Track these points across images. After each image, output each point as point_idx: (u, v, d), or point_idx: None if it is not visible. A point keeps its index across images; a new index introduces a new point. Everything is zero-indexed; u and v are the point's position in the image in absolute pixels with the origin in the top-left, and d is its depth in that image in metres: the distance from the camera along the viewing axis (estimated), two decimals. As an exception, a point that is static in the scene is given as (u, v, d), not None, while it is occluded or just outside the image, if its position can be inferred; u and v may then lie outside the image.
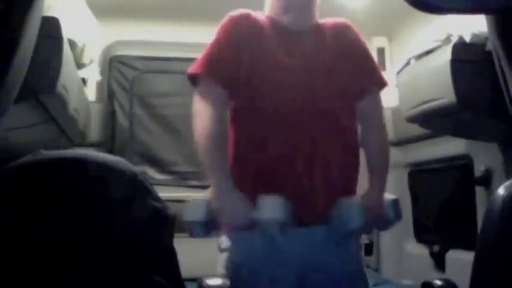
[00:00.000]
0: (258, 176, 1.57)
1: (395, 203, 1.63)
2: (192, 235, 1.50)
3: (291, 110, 1.58)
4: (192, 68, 1.64)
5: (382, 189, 1.63)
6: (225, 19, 1.66)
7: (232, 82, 1.59)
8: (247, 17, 1.65)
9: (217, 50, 1.62)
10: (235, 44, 1.61)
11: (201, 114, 1.56)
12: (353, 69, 1.67)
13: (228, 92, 1.59)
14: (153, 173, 3.09)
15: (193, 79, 1.64)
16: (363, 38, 1.76)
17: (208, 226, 1.49)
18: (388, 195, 1.64)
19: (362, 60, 1.72)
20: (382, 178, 1.65)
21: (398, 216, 1.64)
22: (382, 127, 1.71)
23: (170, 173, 3.16)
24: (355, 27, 1.74)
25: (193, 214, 1.48)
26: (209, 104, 1.56)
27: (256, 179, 1.57)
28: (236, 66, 1.59)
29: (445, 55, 1.96)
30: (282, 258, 1.53)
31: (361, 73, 1.69)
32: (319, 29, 1.72)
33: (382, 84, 1.73)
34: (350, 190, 1.63)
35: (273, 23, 1.69)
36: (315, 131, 1.58)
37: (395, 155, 3.07)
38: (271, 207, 1.46)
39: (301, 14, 1.69)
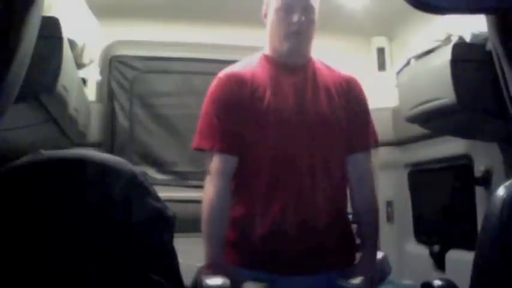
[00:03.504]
0: (255, 224, 1.67)
1: (384, 260, 1.78)
2: None
3: (287, 162, 1.67)
4: (197, 143, 1.73)
5: (375, 255, 1.75)
6: (214, 81, 1.74)
7: (238, 146, 1.68)
8: (234, 76, 1.72)
9: (217, 120, 1.69)
10: (231, 108, 1.69)
11: (209, 185, 1.68)
12: (352, 125, 1.75)
13: (237, 156, 1.69)
14: (153, 173, 3.09)
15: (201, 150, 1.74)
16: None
17: None
18: (377, 254, 1.77)
19: (362, 119, 1.80)
20: (374, 243, 1.78)
21: (389, 271, 1.79)
22: (372, 187, 1.80)
23: (170, 173, 3.15)
24: (362, 87, 1.82)
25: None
26: (217, 176, 1.67)
27: (253, 226, 1.67)
28: (238, 129, 1.68)
29: (445, 55, 1.96)
30: None
31: (358, 130, 1.77)
32: (317, 67, 1.78)
33: (375, 144, 1.83)
34: (342, 238, 1.74)
35: (269, 63, 1.75)
36: (309, 179, 1.67)
37: (395, 155, 3.08)
38: None
39: (301, 40, 1.72)
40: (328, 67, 1.80)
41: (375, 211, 1.80)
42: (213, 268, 1.61)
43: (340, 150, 1.73)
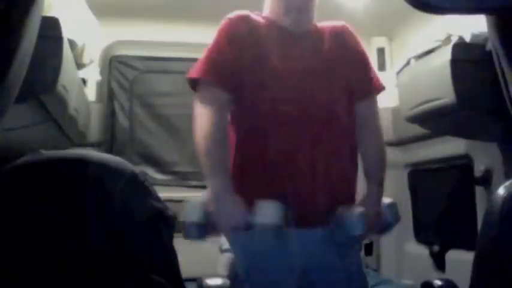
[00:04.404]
0: (258, 178, 1.57)
1: (392, 206, 1.66)
2: (185, 236, 1.49)
3: (291, 112, 1.59)
4: (192, 72, 1.63)
5: (380, 195, 1.65)
6: (223, 21, 1.66)
7: (232, 84, 1.59)
8: (245, 18, 1.65)
9: (216, 53, 1.61)
10: (234, 47, 1.60)
11: (202, 116, 1.56)
12: (352, 72, 1.68)
13: (228, 94, 1.59)
14: (153, 173, 3.09)
15: (194, 83, 1.64)
16: (363, 38, 1.77)
17: (204, 228, 1.49)
18: (385, 199, 1.67)
19: (361, 64, 1.74)
20: (380, 183, 1.67)
21: (396, 219, 1.67)
22: (379, 131, 1.72)
23: (170, 173, 3.15)
24: (353, 30, 1.74)
25: (189, 215, 1.47)
26: (209, 106, 1.56)
27: (256, 180, 1.57)
28: (236, 68, 1.59)
29: (445, 55, 1.96)
30: (283, 258, 1.53)
31: (360, 77, 1.70)
32: (318, 31, 1.72)
33: (380, 88, 1.75)
34: (350, 192, 1.64)
35: (272, 24, 1.69)
36: (315, 132, 1.59)
37: (395, 155, 3.07)
38: (266, 212, 1.46)
39: (301, 15, 1.69)
40: (323, 28, 1.73)
41: (382, 154, 1.70)
42: (221, 199, 1.48)
43: (346, 100, 1.65)
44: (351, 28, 1.74)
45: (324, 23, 1.75)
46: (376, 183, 1.66)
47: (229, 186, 1.50)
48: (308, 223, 1.54)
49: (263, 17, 1.71)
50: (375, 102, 1.74)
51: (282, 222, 1.46)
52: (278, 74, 1.61)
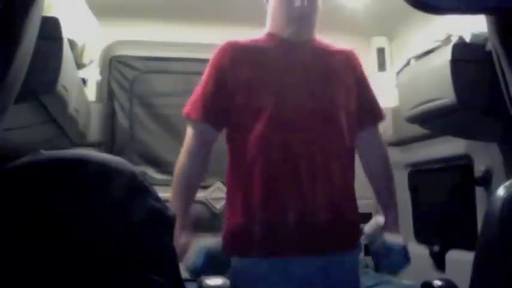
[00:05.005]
0: (253, 196, 1.60)
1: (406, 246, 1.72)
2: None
3: (288, 130, 1.62)
4: (186, 108, 1.71)
5: (398, 222, 1.74)
6: (216, 50, 1.71)
7: (222, 119, 1.66)
8: (234, 44, 1.69)
9: (206, 90, 1.68)
10: (222, 78, 1.65)
11: (183, 151, 1.67)
12: (356, 99, 1.72)
13: (215, 129, 1.68)
14: (153, 173, 3.09)
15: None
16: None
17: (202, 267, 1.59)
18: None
19: (365, 92, 1.78)
20: (396, 211, 1.76)
21: (408, 260, 1.71)
22: (386, 157, 1.80)
23: (170, 173, 3.12)
24: (360, 59, 1.79)
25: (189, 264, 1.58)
26: (194, 142, 1.66)
27: (251, 198, 1.60)
28: (225, 103, 1.64)
29: (445, 55, 1.96)
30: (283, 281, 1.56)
31: (363, 105, 1.75)
32: (322, 47, 1.74)
33: (381, 117, 1.81)
34: (351, 210, 1.68)
35: (272, 38, 1.72)
36: (314, 154, 1.62)
37: (396, 155, 3.07)
38: (192, 254, 1.56)
39: (303, 24, 1.70)
40: (328, 44, 1.76)
41: (391, 176, 1.80)
42: (176, 237, 1.55)
43: (347, 126, 1.67)
44: (358, 55, 1.79)
45: (330, 42, 1.78)
46: (394, 211, 1.74)
47: (186, 223, 1.61)
48: (309, 250, 1.57)
49: (254, 40, 1.73)
50: (377, 129, 1.80)
51: (207, 267, 1.56)
52: (277, 92, 1.64)
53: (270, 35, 1.72)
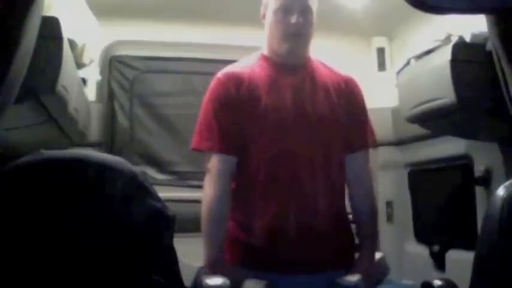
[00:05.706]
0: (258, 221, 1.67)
1: (382, 262, 1.78)
2: None
3: (283, 161, 1.68)
4: (196, 143, 1.73)
5: (373, 255, 1.76)
6: (212, 83, 1.74)
7: (235, 146, 1.69)
8: (232, 76, 1.72)
9: (214, 121, 1.69)
10: (226, 108, 1.69)
11: (205, 187, 1.69)
12: (350, 123, 1.75)
13: (233, 156, 1.69)
14: (153, 173, 3.09)
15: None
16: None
17: None
18: (376, 254, 1.77)
19: (360, 118, 1.80)
20: (373, 242, 1.78)
21: (386, 273, 1.78)
22: (371, 187, 1.81)
23: (170, 173, 3.15)
24: (360, 87, 1.82)
25: None
26: (215, 176, 1.68)
27: (257, 223, 1.67)
28: (237, 131, 1.68)
29: (445, 55, 1.96)
30: None
31: (357, 130, 1.77)
32: (316, 67, 1.78)
33: (373, 144, 1.83)
34: (345, 233, 1.75)
35: (267, 63, 1.76)
36: (308, 178, 1.68)
37: (396, 155, 3.08)
38: None
39: (298, 41, 1.73)
40: (326, 67, 1.80)
41: (374, 211, 1.81)
42: (212, 267, 1.61)
43: (339, 150, 1.73)
44: (357, 82, 1.82)
45: (331, 68, 1.81)
46: (371, 245, 1.76)
47: (221, 255, 1.65)
48: (299, 271, 1.63)
49: (248, 66, 1.77)
50: (367, 155, 1.82)
51: None
52: (273, 121, 1.68)
53: (265, 58, 1.76)
